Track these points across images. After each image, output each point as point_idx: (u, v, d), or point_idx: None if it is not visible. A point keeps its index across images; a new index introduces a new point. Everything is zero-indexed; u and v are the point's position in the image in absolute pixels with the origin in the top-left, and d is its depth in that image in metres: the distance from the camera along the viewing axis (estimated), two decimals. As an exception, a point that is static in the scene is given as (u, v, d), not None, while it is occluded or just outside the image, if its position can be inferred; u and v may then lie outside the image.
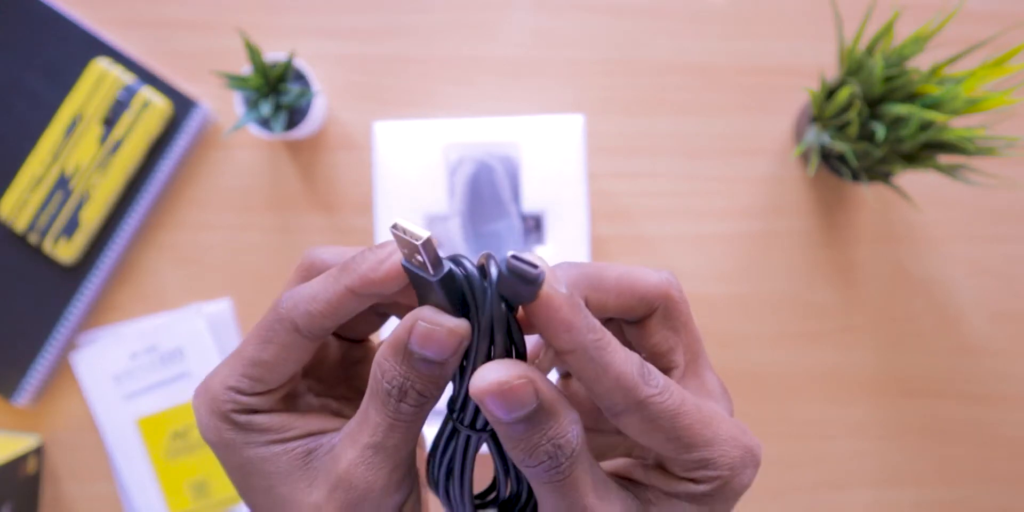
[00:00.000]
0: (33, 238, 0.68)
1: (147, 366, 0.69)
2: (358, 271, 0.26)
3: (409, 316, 0.25)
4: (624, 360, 0.24)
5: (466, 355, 0.25)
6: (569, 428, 0.24)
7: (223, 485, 0.69)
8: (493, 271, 0.24)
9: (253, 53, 0.60)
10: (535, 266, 0.23)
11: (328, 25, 0.69)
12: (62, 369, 0.70)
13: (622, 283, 0.26)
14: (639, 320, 0.27)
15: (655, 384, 0.25)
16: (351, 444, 0.27)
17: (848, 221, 0.70)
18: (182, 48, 0.69)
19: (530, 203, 0.59)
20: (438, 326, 0.24)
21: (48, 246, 0.67)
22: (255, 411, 0.27)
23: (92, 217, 0.67)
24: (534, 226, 0.62)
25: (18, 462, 0.67)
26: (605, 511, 0.25)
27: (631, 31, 0.69)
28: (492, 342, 0.24)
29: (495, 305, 0.24)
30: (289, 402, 0.29)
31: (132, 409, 0.69)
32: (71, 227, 0.67)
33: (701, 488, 0.26)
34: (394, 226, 0.24)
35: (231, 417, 0.27)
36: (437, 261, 0.24)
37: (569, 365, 0.25)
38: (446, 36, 0.69)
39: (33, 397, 0.69)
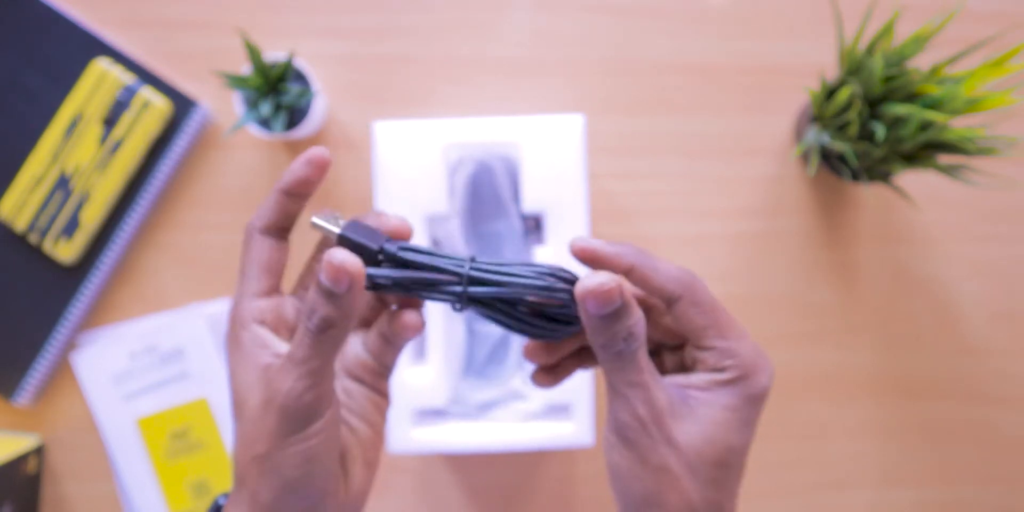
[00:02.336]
0: (33, 238, 0.68)
1: (147, 366, 0.69)
2: (284, 177, 0.36)
3: (327, 255, 0.33)
4: (669, 263, 0.35)
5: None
6: (638, 321, 0.33)
7: (223, 485, 0.69)
8: (334, 228, 0.35)
9: (253, 53, 0.60)
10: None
11: (328, 25, 0.69)
12: (62, 369, 0.70)
13: (669, 273, 0.36)
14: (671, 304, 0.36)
15: (699, 280, 0.35)
16: (281, 362, 0.34)
17: (848, 221, 0.70)
18: (182, 48, 0.69)
19: (530, 203, 0.59)
20: (333, 260, 0.32)
21: (48, 246, 0.68)
22: (262, 321, 0.36)
23: (92, 217, 0.67)
24: (534, 226, 0.62)
25: (18, 462, 0.67)
26: (654, 385, 0.34)
27: (631, 31, 0.69)
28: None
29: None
30: (279, 319, 0.37)
31: (132, 409, 0.69)
32: (71, 227, 0.67)
33: (723, 376, 0.35)
34: (313, 219, 0.36)
35: (244, 325, 0.36)
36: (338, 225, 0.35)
37: (632, 280, 0.35)
38: (446, 36, 0.69)
39: (33, 397, 0.69)
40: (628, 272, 0.35)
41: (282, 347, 0.36)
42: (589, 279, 0.33)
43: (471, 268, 0.34)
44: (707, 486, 0.34)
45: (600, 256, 0.35)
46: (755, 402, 0.35)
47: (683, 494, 0.34)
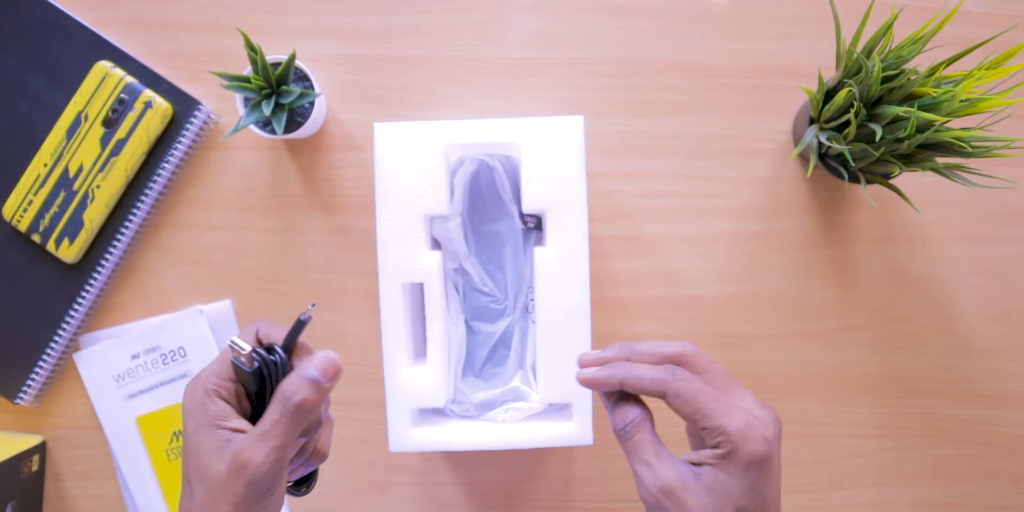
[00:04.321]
0: (36, 238, 0.68)
1: (149, 366, 0.69)
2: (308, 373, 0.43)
3: (309, 362, 0.43)
4: (649, 368, 0.43)
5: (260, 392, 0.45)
6: (633, 415, 0.43)
7: (225, 484, 0.69)
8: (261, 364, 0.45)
9: (254, 54, 0.60)
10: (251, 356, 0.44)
11: (329, 26, 0.69)
12: (65, 369, 0.71)
13: (652, 349, 0.45)
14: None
15: (680, 376, 0.42)
16: (249, 435, 0.42)
17: (847, 221, 0.70)
18: (184, 49, 0.69)
19: (530, 203, 0.59)
20: (330, 358, 0.43)
21: (51, 246, 0.68)
22: (222, 396, 0.44)
23: (95, 217, 0.68)
24: (534, 226, 0.62)
25: (22, 461, 0.67)
26: (659, 464, 0.42)
27: (631, 31, 0.69)
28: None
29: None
30: (234, 398, 0.45)
31: (134, 409, 0.70)
32: (74, 227, 0.68)
33: (719, 451, 0.41)
34: (231, 342, 0.44)
35: (210, 395, 0.43)
36: (250, 361, 0.44)
37: (627, 390, 0.44)
38: (446, 36, 0.69)
39: (36, 397, 0.70)
40: (622, 386, 0.43)
41: (240, 422, 0.43)
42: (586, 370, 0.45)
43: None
44: None
45: (600, 383, 0.44)
46: (752, 468, 0.40)
47: None
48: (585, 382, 0.44)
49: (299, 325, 0.45)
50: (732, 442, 0.40)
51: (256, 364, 0.44)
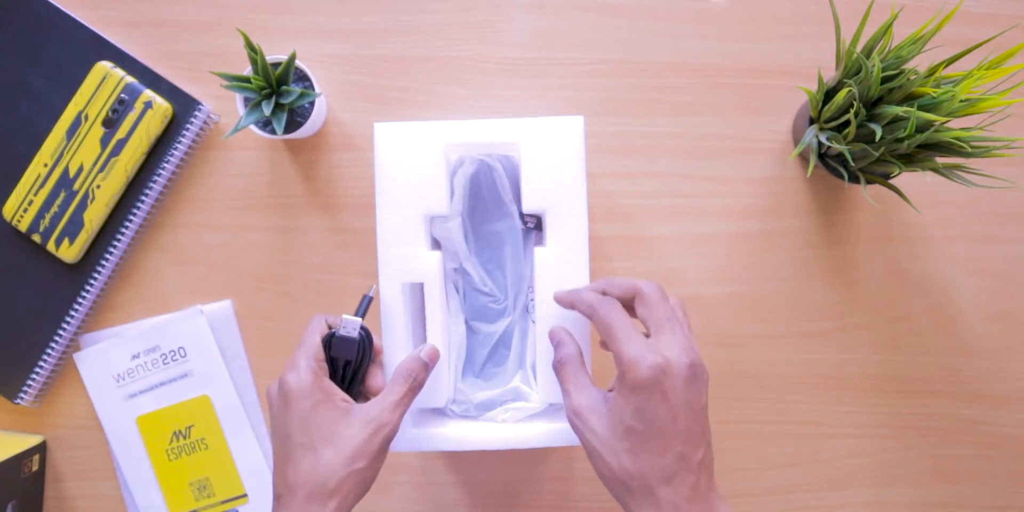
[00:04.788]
0: (37, 238, 0.68)
1: (149, 366, 0.69)
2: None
3: (419, 351, 0.56)
4: (591, 294, 0.52)
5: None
6: (565, 352, 0.52)
7: (225, 485, 0.69)
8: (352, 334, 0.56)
9: (254, 54, 0.60)
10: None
11: (328, 26, 0.69)
12: (65, 369, 0.71)
13: (621, 282, 0.52)
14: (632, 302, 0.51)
15: (608, 305, 0.50)
16: (382, 403, 0.52)
17: (846, 221, 0.70)
18: (184, 49, 0.69)
19: (530, 203, 0.59)
20: (432, 348, 0.57)
21: (51, 246, 0.68)
22: (326, 374, 0.54)
23: (95, 217, 0.68)
24: (534, 226, 0.62)
25: (22, 461, 0.68)
26: (576, 392, 0.50)
27: (631, 31, 0.69)
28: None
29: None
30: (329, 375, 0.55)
31: (134, 409, 0.70)
32: (74, 227, 0.68)
33: (617, 376, 0.47)
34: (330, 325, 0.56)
35: (319, 376, 0.52)
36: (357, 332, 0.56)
37: (577, 309, 0.54)
38: (446, 36, 0.69)
39: (36, 397, 0.70)
40: (573, 306, 0.54)
41: (346, 396, 0.53)
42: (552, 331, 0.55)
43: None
44: (622, 457, 0.46)
45: (562, 301, 0.55)
46: (637, 391, 0.45)
47: (608, 467, 0.47)
48: (556, 299, 0.56)
49: (367, 300, 0.57)
50: (622, 366, 0.46)
51: (362, 334, 0.55)
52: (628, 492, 0.46)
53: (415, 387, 0.54)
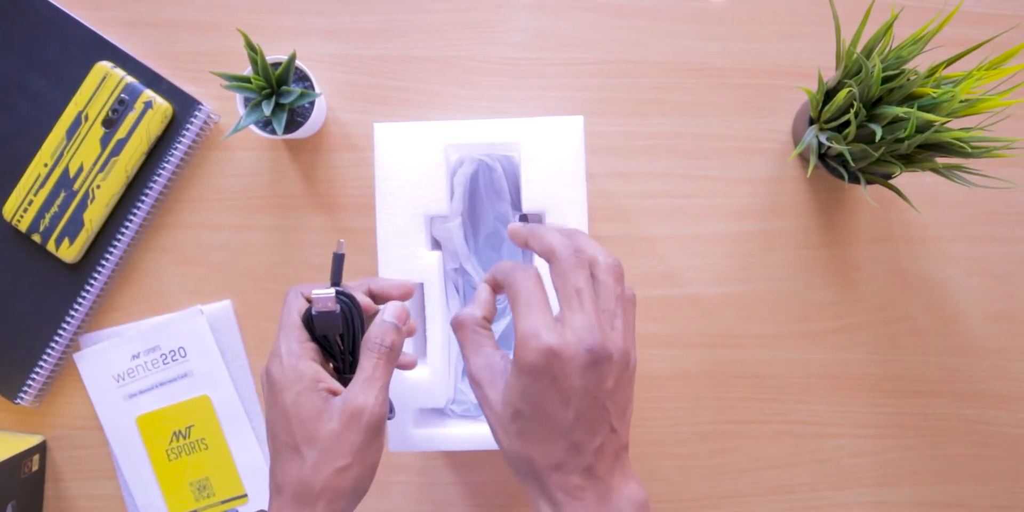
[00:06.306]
0: (37, 238, 0.68)
1: (149, 366, 0.69)
2: (371, 283, 0.54)
3: (384, 311, 0.50)
4: (519, 261, 0.51)
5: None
6: (463, 311, 0.47)
7: (225, 485, 0.70)
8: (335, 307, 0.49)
9: (254, 54, 0.60)
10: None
11: (328, 26, 0.69)
12: (65, 369, 0.71)
13: (544, 240, 0.46)
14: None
15: (526, 273, 0.44)
16: (353, 386, 0.47)
17: (846, 221, 0.70)
18: (184, 49, 0.69)
19: (530, 203, 0.59)
20: (400, 305, 0.50)
21: (51, 246, 0.68)
22: (309, 357, 0.48)
23: (95, 217, 0.68)
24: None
25: (22, 461, 0.68)
26: (472, 357, 0.45)
27: (631, 31, 0.69)
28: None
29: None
30: (317, 357, 0.49)
31: (134, 409, 0.70)
32: (74, 227, 0.68)
33: (512, 353, 0.43)
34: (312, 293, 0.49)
35: (300, 358, 0.47)
36: (335, 303, 0.49)
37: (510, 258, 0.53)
38: (446, 36, 0.69)
39: (36, 397, 0.70)
40: (523, 245, 0.48)
41: (333, 383, 0.47)
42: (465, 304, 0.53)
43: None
44: (512, 439, 0.43)
45: (513, 235, 0.49)
46: (524, 374, 0.42)
47: (500, 444, 0.44)
48: (510, 233, 0.49)
49: (338, 259, 0.50)
50: (518, 346, 0.42)
51: (340, 305, 0.49)
52: (518, 471, 0.44)
53: (389, 356, 0.48)
